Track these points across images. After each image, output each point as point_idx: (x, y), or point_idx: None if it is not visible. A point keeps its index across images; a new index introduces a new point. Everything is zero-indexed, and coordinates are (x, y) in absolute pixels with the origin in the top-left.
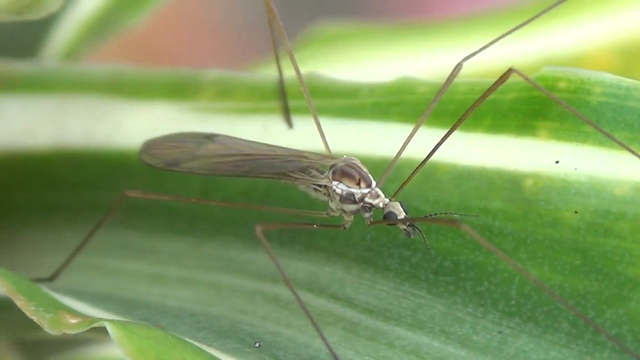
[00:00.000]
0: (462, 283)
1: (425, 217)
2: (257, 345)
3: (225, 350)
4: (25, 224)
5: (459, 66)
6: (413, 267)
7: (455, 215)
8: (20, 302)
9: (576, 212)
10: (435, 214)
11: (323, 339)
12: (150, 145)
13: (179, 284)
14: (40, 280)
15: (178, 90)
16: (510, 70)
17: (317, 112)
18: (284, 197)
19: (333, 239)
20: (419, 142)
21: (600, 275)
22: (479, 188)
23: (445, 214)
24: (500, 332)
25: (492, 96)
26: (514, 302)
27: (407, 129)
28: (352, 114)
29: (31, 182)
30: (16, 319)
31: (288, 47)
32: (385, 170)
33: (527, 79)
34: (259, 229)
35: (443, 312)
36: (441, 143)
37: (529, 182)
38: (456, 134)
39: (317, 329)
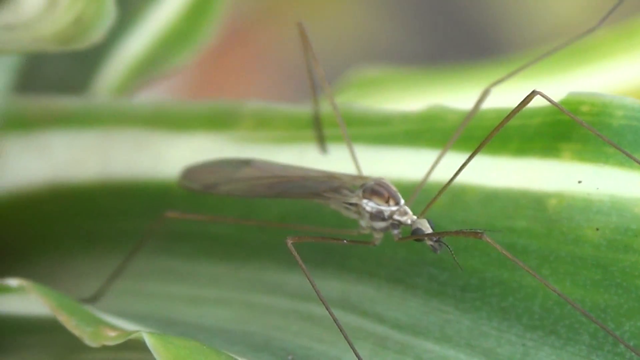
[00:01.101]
0: (488, 299)
1: (449, 231)
2: (290, 358)
3: (248, 351)
4: (70, 253)
5: (486, 92)
6: (441, 284)
7: (479, 231)
8: (62, 318)
9: (597, 230)
10: (460, 230)
11: (352, 347)
12: (190, 171)
13: (216, 305)
14: (82, 300)
15: (218, 121)
16: (533, 92)
17: (350, 140)
18: (319, 221)
19: (364, 260)
20: (448, 167)
21: (620, 289)
22: (505, 208)
23: (470, 229)
24: (523, 345)
25: (518, 121)
26: (537, 316)
27: (437, 154)
28: (385, 141)
29: (77, 213)
30: (60, 341)
31: (320, 72)
32: (414, 191)
33: (549, 99)
34: (289, 241)
35: (469, 327)
36: (465, 164)
37: (553, 201)
38: (484, 158)
39: (346, 337)
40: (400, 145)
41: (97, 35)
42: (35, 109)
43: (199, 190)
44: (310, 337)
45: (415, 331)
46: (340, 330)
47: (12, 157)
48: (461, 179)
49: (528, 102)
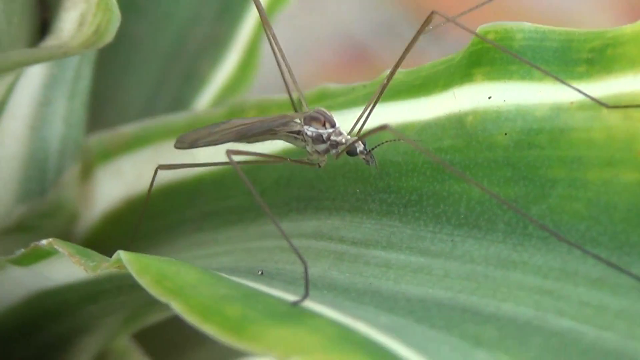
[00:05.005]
0: (425, 209)
1: (365, 133)
2: (259, 273)
3: (229, 274)
4: (151, 244)
5: (429, 18)
6: (389, 205)
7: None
8: (73, 259)
9: (506, 134)
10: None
11: (296, 251)
12: (183, 136)
13: (224, 255)
14: None
15: (233, 115)
16: (432, 13)
17: (327, 109)
18: (300, 179)
19: (334, 199)
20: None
21: (526, 181)
22: (434, 134)
23: (378, 126)
24: (452, 241)
25: (445, 65)
26: (462, 216)
27: (383, 105)
28: (349, 105)
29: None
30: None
31: (272, 32)
32: (355, 121)
33: (464, 27)
34: (229, 154)
35: (410, 234)
36: (379, 98)
37: (470, 118)
38: (421, 99)
39: (291, 245)
40: (360, 105)
41: (109, 38)
42: (107, 140)
43: (186, 148)
44: (286, 262)
45: (367, 244)
46: (287, 241)
47: (101, 184)
48: (404, 119)
49: (428, 23)
